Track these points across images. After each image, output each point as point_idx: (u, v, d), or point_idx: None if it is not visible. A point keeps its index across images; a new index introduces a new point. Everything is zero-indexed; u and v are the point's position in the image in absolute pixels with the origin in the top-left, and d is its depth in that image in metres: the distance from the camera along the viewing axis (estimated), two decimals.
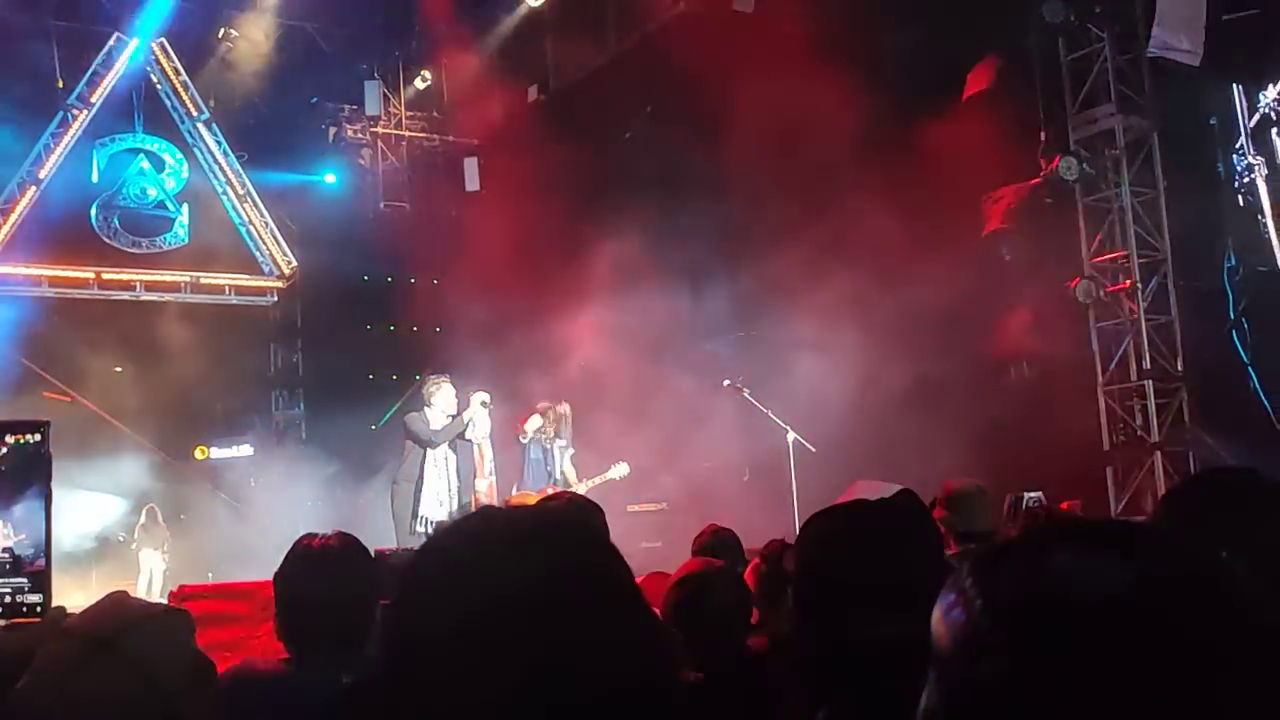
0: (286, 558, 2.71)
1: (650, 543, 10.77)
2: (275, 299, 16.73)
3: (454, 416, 9.27)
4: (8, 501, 3.61)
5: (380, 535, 9.60)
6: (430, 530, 8.99)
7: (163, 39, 15.99)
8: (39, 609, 3.49)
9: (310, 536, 2.75)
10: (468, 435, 9.31)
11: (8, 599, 3.53)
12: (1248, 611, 0.75)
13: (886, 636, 1.59)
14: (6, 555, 3.56)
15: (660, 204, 13.03)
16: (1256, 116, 10.48)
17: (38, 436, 3.62)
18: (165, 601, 7.37)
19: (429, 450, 9.20)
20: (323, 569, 2.65)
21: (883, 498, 2.04)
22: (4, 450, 3.60)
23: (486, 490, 9.38)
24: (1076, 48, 10.93)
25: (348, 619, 2.60)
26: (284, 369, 17.06)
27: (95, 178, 15.94)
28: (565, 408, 10.16)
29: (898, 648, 1.60)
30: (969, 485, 5.46)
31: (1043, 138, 10.95)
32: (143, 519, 14.13)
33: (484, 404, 9.37)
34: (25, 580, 3.55)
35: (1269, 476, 2.14)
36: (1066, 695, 0.70)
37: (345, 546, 2.73)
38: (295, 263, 16.61)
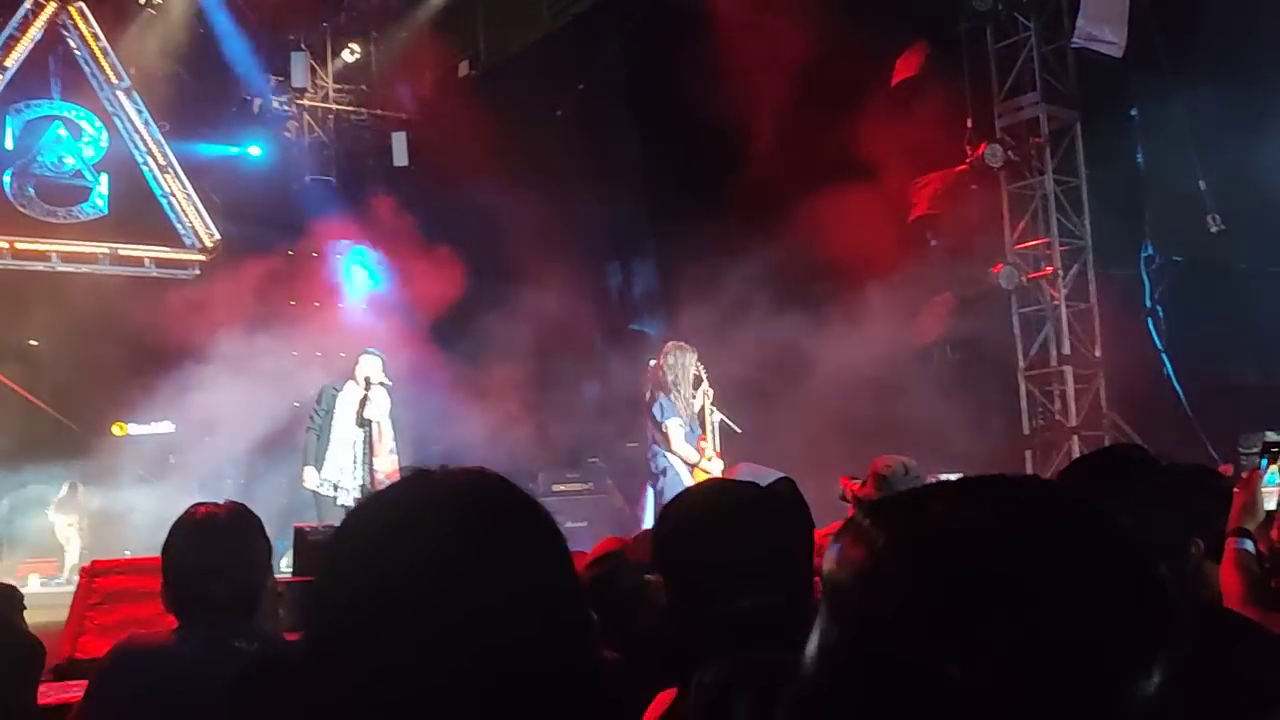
0: (172, 527, 2.67)
1: (575, 523, 10.78)
2: (197, 272, 16.40)
3: (368, 385, 9.32)
4: None
5: (302, 510, 9.51)
6: (335, 493, 9.02)
7: (82, 3, 15.55)
8: None
9: (197, 505, 2.72)
10: (366, 414, 9.34)
11: None
12: (1128, 545, 0.81)
13: (744, 608, 1.71)
14: None
15: (590, 183, 12.98)
16: None
17: None
18: (78, 576, 7.22)
19: (335, 420, 9.31)
20: (208, 538, 2.62)
21: (756, 481, 2.19)
22: None
23: (386, 470, 9.33)
24: (1003, 36, 11.06)
25: (234, 588, 2.58)
26: (206, 343, 16.72)
27: (10, 144, 15.47)
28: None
29: (754, 619, 1.72)
30: (895, 463, 5.55)
31: (969, 124, 11.07)
32: (62, 493, 13.86)
33: (381, 384, 9.39)
34: None
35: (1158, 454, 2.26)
36: (962, 613, 0.76)
37: (232, 515, 2.69)
38: (218, 235, 16.29)
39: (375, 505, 1.14)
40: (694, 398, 8.81)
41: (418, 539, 1.06)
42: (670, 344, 8.93)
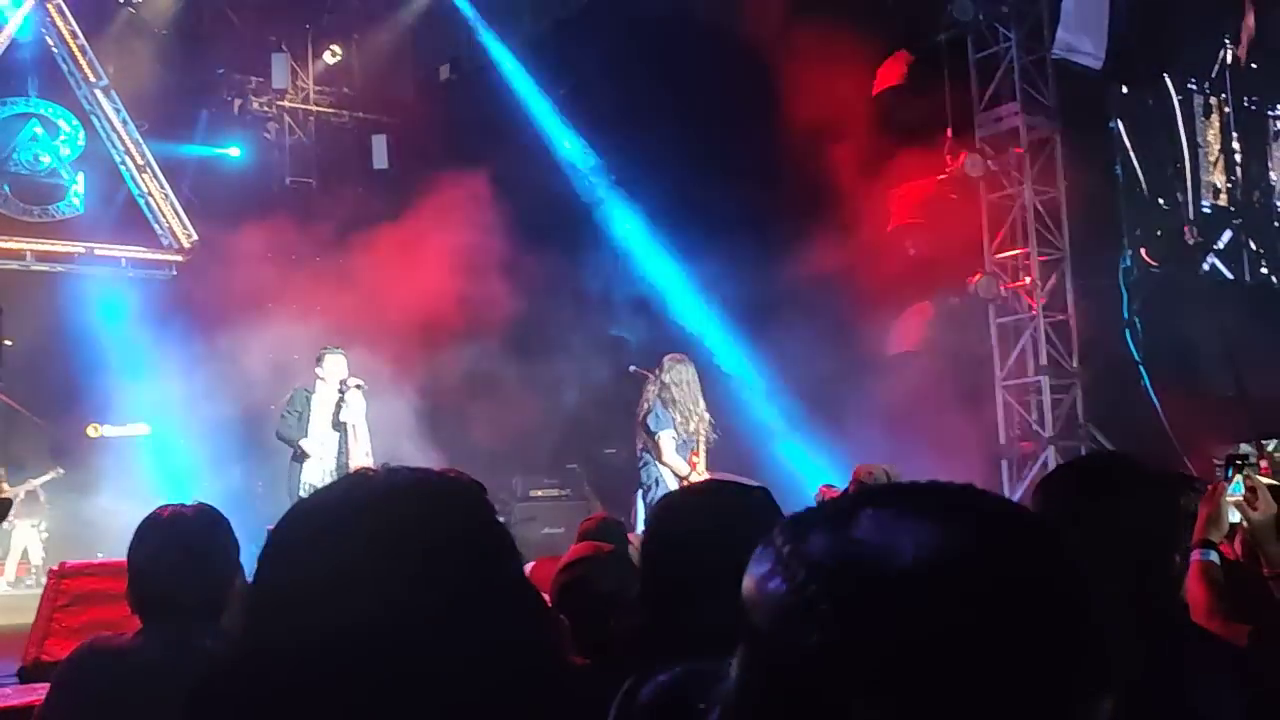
0: (138, 527, 2.64)
1: (552, 528, 10.75)
2: (174, 273, 16.30)
3: (343, 388, 9.16)
4: None
5: (278, 512, 9.43)
6: None
7: (60, 0, 15.45)
8: None
9: (164, 507, 2.69)
10: (342, 417, 9.22)
11: None
12: (1072, 574, 0.75)
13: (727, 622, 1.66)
14: None
15: (570, 184, 12.98)
16: None
17: None
18: (45, 578, 7.14)
19: (311, 423, 9.10)
20: (173, 538, 2.59)
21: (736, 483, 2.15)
22: None
23: None
24: (984, 47, 11.10)
25: (200, 588, 2.55)
26: (182, 345, 16.63)
27: None
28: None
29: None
30: (877, 471, 5.61)
31: (949, 134, 11.11)
32: (21, 495, 13.73)
33: (358, 386, 9.27)
34: None
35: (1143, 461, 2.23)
36: (897, 657, 0.69)
37: (199, 515, 2.67)
38: (196, 236, 16.20)
39: (306, 510, 1.07)
40: (696, 417, 8.75)
41: (347, 547, 0.98)
42: (668, 358, 8.88)
